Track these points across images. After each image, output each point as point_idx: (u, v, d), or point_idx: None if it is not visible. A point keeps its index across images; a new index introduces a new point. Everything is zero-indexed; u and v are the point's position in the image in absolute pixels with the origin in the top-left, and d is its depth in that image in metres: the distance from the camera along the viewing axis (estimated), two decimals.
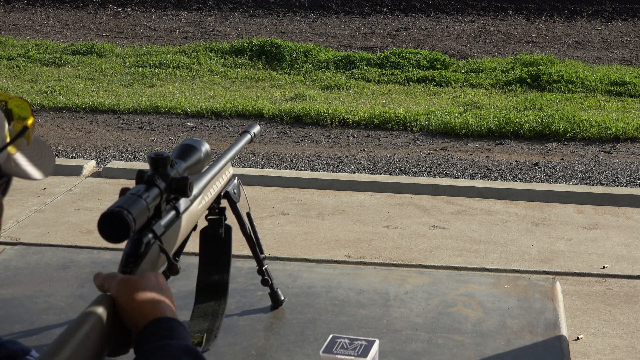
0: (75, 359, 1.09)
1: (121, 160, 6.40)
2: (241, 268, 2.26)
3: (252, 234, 1.99)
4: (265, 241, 4.60)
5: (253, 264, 2.05)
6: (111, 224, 1.15)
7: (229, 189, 1.89)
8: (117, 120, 7.70)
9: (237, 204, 1.94)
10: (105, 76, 9.50)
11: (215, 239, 1.88)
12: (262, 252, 2.02)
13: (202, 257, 1.90)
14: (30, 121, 1.14)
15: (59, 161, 6.01)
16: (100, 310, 1.15)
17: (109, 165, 5.90)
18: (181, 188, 1.29)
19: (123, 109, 7.95)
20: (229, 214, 1.90)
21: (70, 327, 1.11)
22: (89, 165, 5.92)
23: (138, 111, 7.94)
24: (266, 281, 2.02)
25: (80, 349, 1.09)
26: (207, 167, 1.72)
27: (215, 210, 1.86)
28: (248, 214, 2.00)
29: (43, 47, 10.93)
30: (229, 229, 1.88)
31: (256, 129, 2.04)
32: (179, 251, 1.82)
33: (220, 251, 1.88)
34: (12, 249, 2.44)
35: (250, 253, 2.01)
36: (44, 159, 1.18)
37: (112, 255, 2.33)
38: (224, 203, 1.89)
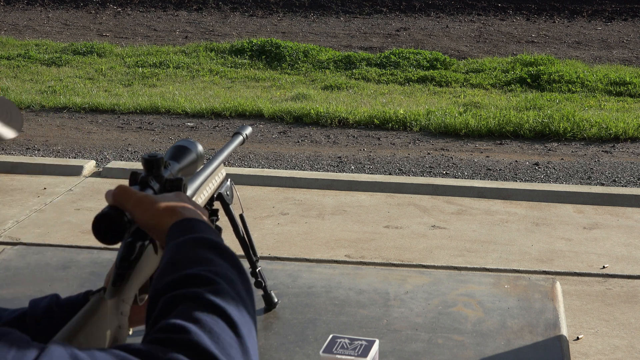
0: None
1: (121, 160, 6.40)
2: None
3: (245, 236, 1.98)
4: (265, 241, 4.62)
5: None
6: (106, 226, 1.15)
7: (222, 190, 1.88)
8: (117, 120, 7.70)
9: (230, 206, 1.93)
10: (105, 76, 9.50)
11: None
12: (255, 255, 2.01)
13: None
14: None
15: (59, 161, 6.01)
16: (94, 314, 1.14)
17: (109, 165, 5.90)
18: (175, 189, 1.28)
19: (123, 109, 7.95)
20: (222, 216, 1.89)
21: (62, 335, 1.10)
22: (89, 165, 5.92)
23: (138, 111, 7.94)
24: (259, 283, 2.01)
25: None
26: (201, 168, 1.71)
27: (207, 212, 1.85)
28: (241, 216, 2.00)
29: (43, 47, 10.93)
30: (218, 229, 1.88)
31: (248, 130, 2.03)
32: None
33: None
34: (12, 249, 2.44)
35: None
36: (12, 115, 1.14)
37: (112, 255, 2.32)
38: (217, 205, 1.88)
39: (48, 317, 1.25)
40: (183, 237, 1.09)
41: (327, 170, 6.21)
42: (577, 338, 3.58)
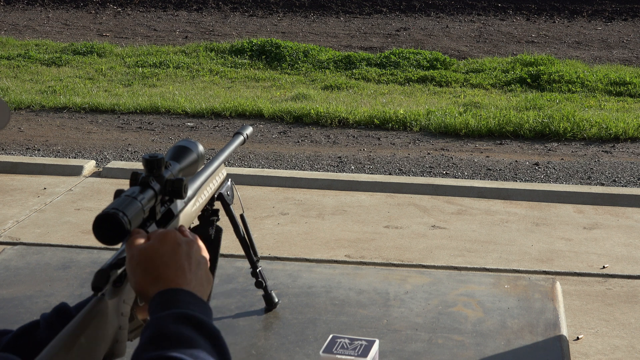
0: None
1: (121, 160, 6.40)
2: (241, 268, 2.26)
3: (245, 236, 1.98)
4: (265, 241, 4.62)
5: None
6: (106, 226, 1.15)
7: (222, 190, 1.88)
8: (117, 120, 7.71)
9: (231, 206, 1.93)
10: (105, 76, 9.50)
11: (203, 238, 1.87)
12: (255, 255, 2.01)
13: None
14: None
15: (59, 161, 6.01)
16: (95, 316, 1.14)
17: (109, 165, 5.90)
18: (176, 190, 1.28)
19: (123, 109, 7.95)
20: (223, 216, 1.89)
21: (63, 337, 1.10)
22: (89, 165, 5.92)
23: (138, 111, 7.94)
24: (260, 283, 2.01)
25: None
26: (201, 168, 1.71)
27: (208, 212, 1.85)
28: (242, 216, 1.99)
29: (43, 47, 10.92)
30: (219, 230, 1.87)
31: (249, 130, 2.03)
32: None
33: (207, 249, 1.87)
34: (12, 249, 2.44)
35: None
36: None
37: (112, 255, 2.32)
38: (218, 205, 1.88)
39: (62, 319, 1.24)
40: (167, 311, 1.08)
41: (327, 170, 6.21)
42: (577, 338, 3.58)
